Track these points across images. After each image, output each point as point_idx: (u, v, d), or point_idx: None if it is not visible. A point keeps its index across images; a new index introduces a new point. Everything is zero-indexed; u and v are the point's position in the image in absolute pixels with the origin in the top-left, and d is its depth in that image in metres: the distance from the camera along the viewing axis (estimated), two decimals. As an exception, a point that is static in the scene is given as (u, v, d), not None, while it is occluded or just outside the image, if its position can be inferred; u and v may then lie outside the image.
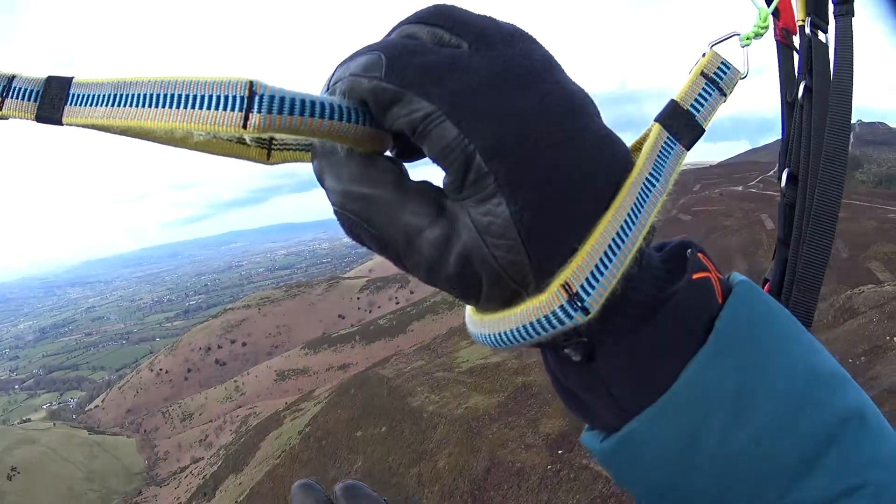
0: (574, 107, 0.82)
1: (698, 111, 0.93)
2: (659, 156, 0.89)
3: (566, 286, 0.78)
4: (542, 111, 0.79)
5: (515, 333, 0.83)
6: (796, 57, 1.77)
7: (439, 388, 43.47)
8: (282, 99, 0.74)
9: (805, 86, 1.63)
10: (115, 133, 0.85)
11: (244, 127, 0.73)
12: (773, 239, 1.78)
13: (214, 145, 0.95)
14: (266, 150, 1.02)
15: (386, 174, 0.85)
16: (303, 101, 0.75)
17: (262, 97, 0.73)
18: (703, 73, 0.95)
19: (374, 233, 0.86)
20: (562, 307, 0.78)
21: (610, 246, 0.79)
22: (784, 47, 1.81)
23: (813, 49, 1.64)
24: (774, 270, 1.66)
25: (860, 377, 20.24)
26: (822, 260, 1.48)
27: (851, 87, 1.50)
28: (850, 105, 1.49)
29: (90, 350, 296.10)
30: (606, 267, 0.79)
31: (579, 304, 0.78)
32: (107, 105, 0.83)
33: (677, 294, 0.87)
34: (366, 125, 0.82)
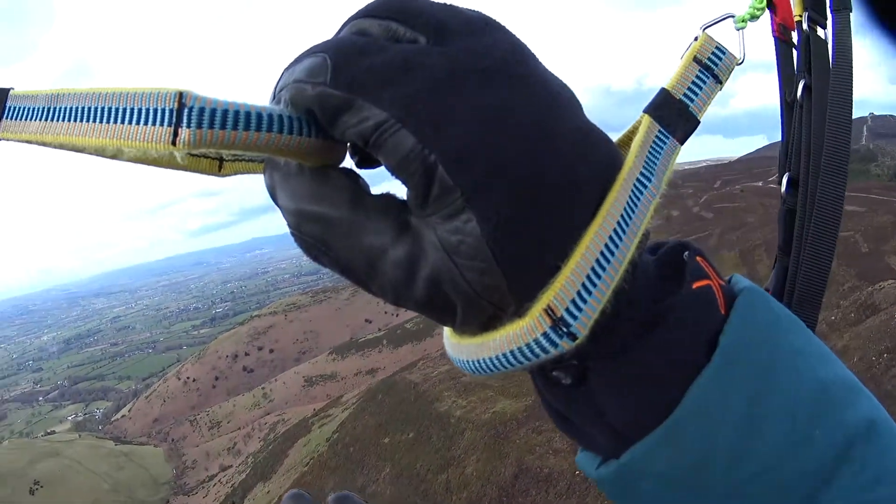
0: (550, 102, 0.73)
1: (692, 101, 0.85)
2: (651, 151, 0.81)
3: (549, 311, 0.69)
4: (512, 110, 0.70)
5: (495, 362, 0.75)
6: (796, 55, 1.63)
7: (466, 393, 43.03)
8: (213, 111, 0.67)
9: (804, 84, 1.54)
10: (53, 148, 0.80)
11: (173, 143, 0.67)
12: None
13: (159, 160, 0.83)
14: (218, 163, 0.95)
15: (341, 191, 0.77)
16: (237, 113, 0.68)
17: (191, 109, 0.67)
18: (696, 59, 0.87)
19: (333, 256, 0.78)
20: (545, 334, 0.70)
21: (598, 260, 0.71)
22: (782, 44, 1.67)
23: (811, 45, 1.54)
24: (774, 280, 1.57)
25: (883, 376, 19.86)
26: (823, 269, 1.42)
27: (851, 85, 1.42)
28: (851, 103, 1.40)
29: (116, 360, 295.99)
30: (595, 285, 0.70)
31: (565, 329, 0.69)
32: (41, 119, 0.79)
33: (676, 307, 0.79)
34: (314, 137, 0.75)
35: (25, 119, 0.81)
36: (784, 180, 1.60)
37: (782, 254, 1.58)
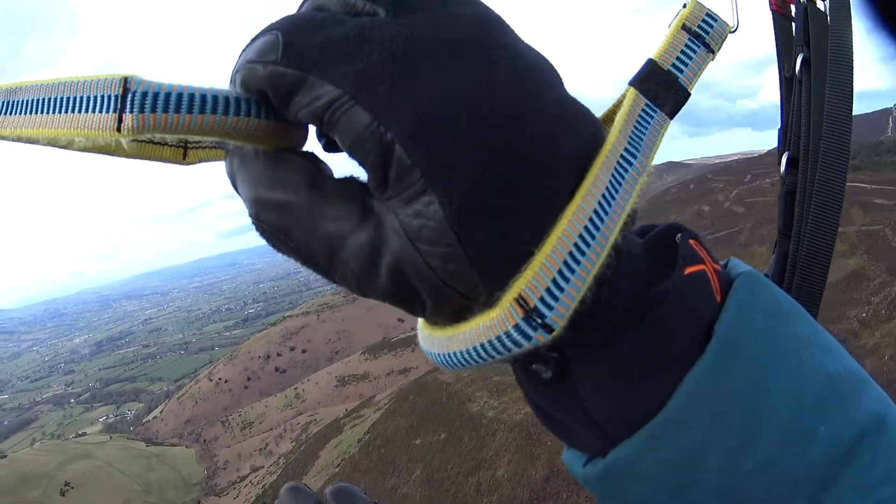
0: (522, 75, 0.68)
1: (681, 71, 0.79)
2: (636, 126, 0.75)
3: (521, 300, 0.64)
4: (479, 83, 0.65)
5: (466, 355, 0.70)
6: (795, 28, 1.64)
7: (498, 393, 42.35)
8: (156, 95, 0.64)
9: (803, 59, 1.52)
10: (11, 142, 0.78)
11: (118, 130, 0.65)
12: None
13: (111, 148, 0.75)
14: (182, 151, 0.90)
15: (298, 174, 0.72)
16: (181, 96, 0.65)
17: (134, 94, 0.64)
18: (685, 27, 0.80)
19: (293, 245, 0.73)
20: (517, 326, 0.64)
21: (577, 245, 0.65)
22: (780, 17, 1.67)
23: (809, 17, 1.51)
24: (774, 266, 1.59)
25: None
26: (824, 252, 1.39)
27: (851, 58, 1.39)
28: (851, 77, 1.38)
29: (148, 362, 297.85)
30: (573, 271, 0.64)
31: (539, 321, 0.64)
32: (0, 114, 0.76)
33: (666, 295, 0.72)
34: (268, 119, 0.71)
35: None
36: (783, 160, 1.58)
37: (782, 238, 1.57)
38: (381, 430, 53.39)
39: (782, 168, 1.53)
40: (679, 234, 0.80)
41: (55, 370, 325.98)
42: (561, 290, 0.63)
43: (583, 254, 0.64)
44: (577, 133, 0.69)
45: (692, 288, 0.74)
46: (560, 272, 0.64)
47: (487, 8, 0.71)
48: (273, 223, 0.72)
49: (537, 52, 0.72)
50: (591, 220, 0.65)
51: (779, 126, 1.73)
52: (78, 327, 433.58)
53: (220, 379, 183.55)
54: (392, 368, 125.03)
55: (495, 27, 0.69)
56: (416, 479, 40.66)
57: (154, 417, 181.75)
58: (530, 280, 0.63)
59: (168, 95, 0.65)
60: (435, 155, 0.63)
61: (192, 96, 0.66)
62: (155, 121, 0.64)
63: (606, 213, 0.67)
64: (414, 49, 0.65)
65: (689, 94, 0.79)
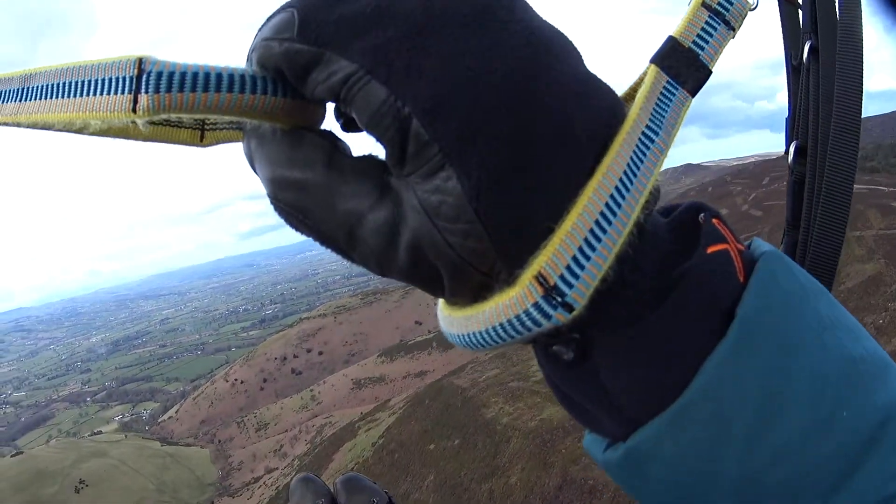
0: (540, 49, 0.67)
1: (703, 49, 0.77)
2: (658, 103, 0.74)
3: (541, 278, 0.63)
4: (496, 56, 0.64)
5: (485, 336, 0.69)
6: (801, 15, 1.61)
7: (513, 399, 41.85)
8: (171, 74, 0.64)
9: (811, 45, 1.51)
10: (27, 128, 0.77)
11: (134, 111, 0.64)
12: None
13: (127, 130, 0.77)
14: (199, 132, 0.88)
15: (315, 152, 0.71)
16: (196, 75, 0.65)
17: (149, 74, 0.64)
18: (704, 4, 0.78)
19: (312, 224, 0.73)
20: (536, 305, 0.63)
21: (598, 222, 0.64)
22: (786, 3, 1.65)
23: (816, 3, 1.49)
24: None
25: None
26: (834, 243, 1.36)
27: (861, 44, 1.35)
28: (861, 61, 1.34)
29: (164, 361, 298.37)
30: (594, 249, 0.63)
31: (559, 299, 0.63)
32: (15, 100, 0.76)
33: (688, 274, 0.70)
34: (286, 97, 0.71)
35: (2, 102, 0.78)
36: (792, 149, 1.54)
37: (791, 228, 1.56)
38: (395, 434, 53.09)
39: (790, 157, 1.51)
40: (702, 214, 0.78)
41: (72, 368, 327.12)
42: (582, 267, 0.62)
43: (604, 231, 0.64)
44: (598, 109, 0.68)
45: (715, 267, 0.72)
46: (581, 249, 0.63)
47: None
48: (291, 202, 0.72)
49: (554, 28, 0.71)
50: (612, 196, 0.65)
51: (787, 115, 1.71)
52: (95, 326, 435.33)
53: (236, 380, 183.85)
54: (408, 371, 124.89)
55: (513, 1, 0.68)
56: (428, 485, 40.40)
57: (169, 417, 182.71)
58: (550, 257, 0.62)
59: (184, 75, 0.64)
60: (452, 129, 0.62)
61: (207, 75, 0.65)
62: (171, 101, 0.64)
63: (628, 189, 0.66)
64: (431, 23, 0.64)
65: (711, 72, 0.77)
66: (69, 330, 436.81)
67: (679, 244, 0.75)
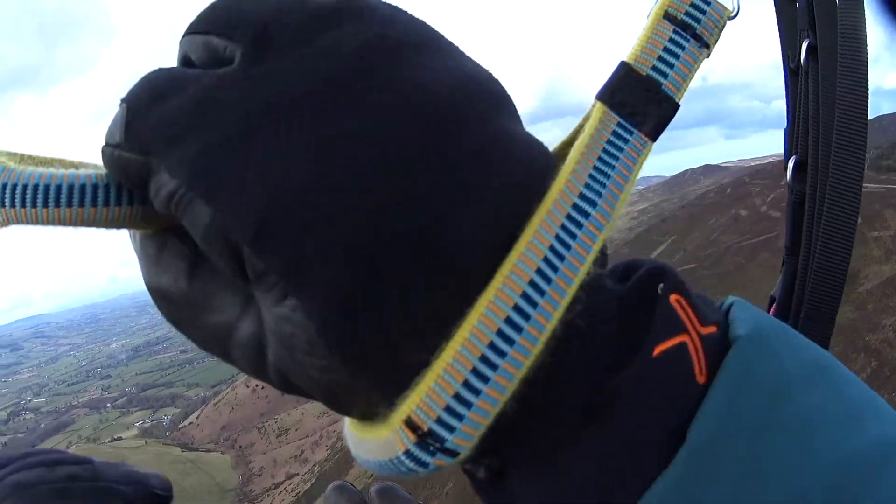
0: (422, 122, 0.50)
1: (666, 76, 0.56)
2: (604, 155, 0.54)
3: (411, 424, 0.48)
4: (344, 148, 0.48)
5: (374, 466, 0.54)
6: (798, 11, 1.45)
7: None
8: (3, 187, 0.55)
9: (808, 45, 1.34)
10: None
11: None
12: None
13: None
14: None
15: (177, 261, 0.59)
16: (37, 188, 0.55)
17: None
18: (668, 16, 0.58)
19: (187, 335, 0.63)
20: (408, 452, 0.48)
21: (492, 344, 0.47)
22: (783, 0, 1.51)
23: None
24: (781, 287, 1.43)
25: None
26: (837, 272, 1.20)
27: (865, 38, 1.19)
28: (864, 64, 1.18)
29: (185, 367, 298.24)
30: (487, 380, 0.47)
31: (437, 445, 0.48)
32: None
33: (622, 390, 0.54)
34: (141, 204, 0.57)
35: None
36: (790, 165, 1.40)
37: (790, 255, 1.41)
38: (416, 440, 53.13)
39: (788, 174, 1.37)
40: (661, 286, 0.58)
41: (92, 374, 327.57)
42: (468, 405, 0.47)
43: (502, 355, 0.47)
44: (499, 191, 0.50)
45: (662, 374, 0.55)
46: (466, 384, 0.47)
47: (392, 25, 0.54)
48: (164, 313, 0.62)
49: (465, 75, 0.55)
50: (516, 307, 0.48)
51: (785, 126, 1.52)
52: (115, 332, 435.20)
53: (256, 385, 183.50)
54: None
55: (390, 56, 0.52)
56: (447, 492, 40.52)
57: (190, 423, 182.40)
58: (423, 399, 0.48)
59: (16, 188, 0.55)
60: (285, 257, 0.48)
61: (47, 188, 0.55)
62: (6, 216, 0.56)
63: (543, 294, 0.49)
64: (258, 119, 0.49)
65: (678, 106, 0.57)
66: (89, 336, 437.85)
67: (629, 333, 0.56)
